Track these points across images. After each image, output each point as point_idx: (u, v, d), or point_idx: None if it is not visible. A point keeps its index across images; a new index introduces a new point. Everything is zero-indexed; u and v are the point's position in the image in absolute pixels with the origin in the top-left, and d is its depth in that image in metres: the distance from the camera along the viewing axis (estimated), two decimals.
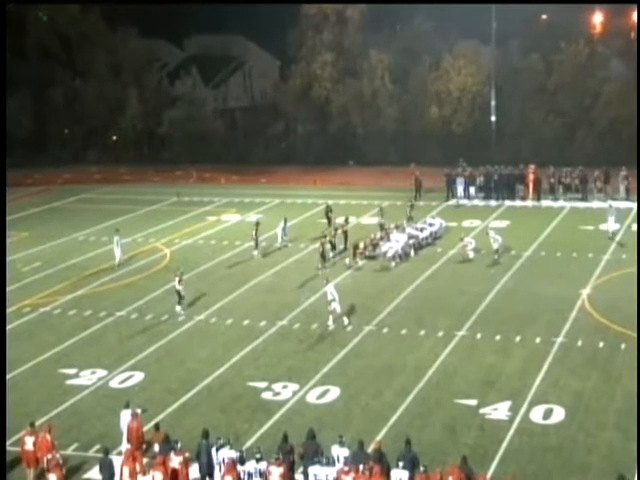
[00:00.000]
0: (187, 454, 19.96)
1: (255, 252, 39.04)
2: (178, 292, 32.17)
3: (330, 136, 63.56)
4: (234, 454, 19.72)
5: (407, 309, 32.05)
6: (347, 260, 37.49)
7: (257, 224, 39.98)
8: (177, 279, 32.33)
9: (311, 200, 51.20)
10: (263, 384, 25.96)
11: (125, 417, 21.61)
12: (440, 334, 29.52)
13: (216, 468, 19.75)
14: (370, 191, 53.18)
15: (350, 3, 63.57)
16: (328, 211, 44.59)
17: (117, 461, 20.24)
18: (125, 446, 21.17)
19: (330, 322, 30.26)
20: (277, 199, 51.60)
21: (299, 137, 65.98)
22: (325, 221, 43.25)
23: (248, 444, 21.93)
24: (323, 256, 36.88)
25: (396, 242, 37.62)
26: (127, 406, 21.89)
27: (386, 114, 62.09)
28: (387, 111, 62.18)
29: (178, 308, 32.00)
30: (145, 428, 21.90)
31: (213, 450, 19.89)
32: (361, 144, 62.45)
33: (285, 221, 41.33)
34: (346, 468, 19.07)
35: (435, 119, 60.93)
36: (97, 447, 22.22)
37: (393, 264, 36.89)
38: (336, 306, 30.38)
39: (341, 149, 62.38)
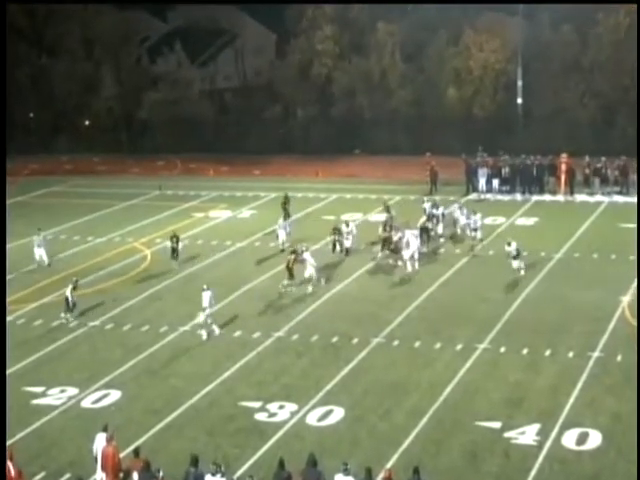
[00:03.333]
0: None
1: (174, 263, 38.17)
2: (67, 299, 32.36)
3: (333, 121, 63.66)
4: None
5: (421, 319, 32.07)
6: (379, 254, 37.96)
7: (175, 238, 38.35)
8: (71, 286, 32.60)
9: (313, 194, 51.28)
10: (257, 404, 25.99)
11: (100, 441, 21.64)
12: (458, 347, 29.53)
13: None
14: (379, 184, 53.26)
15: (348, 4, 63.83)
16: (285, 202, 44.49)
17: None
18: (100, 475, 21.18)
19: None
20: (273, 193, 51.65)
21: (298, 122, 66.09)
22: (331, 217, 43.16)
23: (240, 472, 21.96)
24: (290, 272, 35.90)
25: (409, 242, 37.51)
26: (105, 429, 21.92)
27: (397, 96, 62.15)
28: (398, 93, 62.23)
29: (62, 315, 32.39)
30: (122, 454, 21.94)
31: (208, 478, 19.94)
32: (369, 130, 62.53)
33: (285, 218, 40.91)
34: None
35: (453, 102, 60.97)
36: (68, 476, 22.26)
37: (410, 269, 36.92)
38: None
39: (346, 136, 62.47)
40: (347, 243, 39.23)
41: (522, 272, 35.30)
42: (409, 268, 36.60)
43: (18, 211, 50.17)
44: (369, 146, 61.77)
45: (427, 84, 62.08)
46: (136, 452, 21.25)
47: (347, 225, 39.47)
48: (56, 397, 26.85)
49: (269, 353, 29.76)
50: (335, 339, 30.51)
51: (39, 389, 27.35)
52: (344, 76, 63.19)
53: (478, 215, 39.80)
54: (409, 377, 27.49)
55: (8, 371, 28.65)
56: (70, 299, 32.38)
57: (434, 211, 41.02)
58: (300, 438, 24.02)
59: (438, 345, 29.75)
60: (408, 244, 36.95)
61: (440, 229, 40.78)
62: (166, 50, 77.44)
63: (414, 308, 33.10)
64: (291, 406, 25.78)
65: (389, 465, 22.03)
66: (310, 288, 34.66)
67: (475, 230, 39.43)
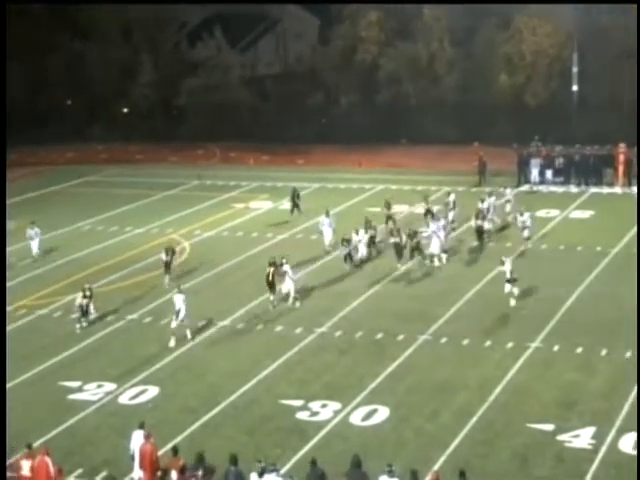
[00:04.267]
0: None
1: (166, 279, 35.41)
2: (80, 306, 31.58)
3: (378, 109, 63.41)
4: None
5: (470, 315, 31.86)
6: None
7: (170, 250, 36.19)
8: (81, 294, 31.83)
9: (357, 185, 51.19)
10: (298, 402, 25.98)
11: (137, 439, 21.77)
12: (509, 346, 29.31)
13: None
14: (425, 175, 53.00)
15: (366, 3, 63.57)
16: (295, 196, 44.31)
17: None
18: (137, 474, 21.31)
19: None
20: (316, 183, 51.66)
21: (341, 110, 65.93)
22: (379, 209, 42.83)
23: (280, 473, 21.92)
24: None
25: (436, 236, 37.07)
26: (141, 427, 22.05)
27: (444, 83, 61.78)
28: (446, 79, 61.87)
29: (77, 325, 31.67)
30: (160, 452, 22.03)
31: (253, 476, 20.00)
32: (415, 119, 62.19)
33: (328, 214, 40.02)
34: None
35: (504, 89, 60.46)
36: (104, 474, 22.40)
37: (437, 262, 36.72)
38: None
39: (391, 125, 62.21)
40: (360, 253, 37.37)
41: (512, 301, 32.21)
42: (436, 263, 36.58)
43: (53, 201, 50.65)
44: (415, 135, 61.45)
45: (476, 70, 61.64)
46: (174, 451, 21.32)
47: (357, 233, 37.59)
48: (93, 392, 27.05)
49: (311, 350, 29.73)
50: (380, 336, 30.42)
51: (75, 384, 27.56)
52: (389, 62, 62.94)
53: (526, 214, 39.16)
54: (457, 376, 27.32)
55: (44, 365, 28.94)
56: (82, 305, 31.64)
57: (481, 205, 40.47)
58: (343, 438, 23.97)
59: (488, 343, 29.54)
60: (431, 240, 36.75)
61: (487, 224, 40.07)
62: (206, 35, 77.58)
63: (463, 304, 32.90)
64: (334, 405, 25.73)
65: (436, 467, 21.91)
66: (291, 302, 33.03)
67: (524, 229, 38.95)
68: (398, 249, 36.79)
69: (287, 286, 33.11)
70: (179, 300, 30.38)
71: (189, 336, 30.46)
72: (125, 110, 69.75)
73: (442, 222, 38.11)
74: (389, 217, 40.93)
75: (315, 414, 25.36)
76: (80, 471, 22.62)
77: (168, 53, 69.83)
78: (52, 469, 20.50)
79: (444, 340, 29.96)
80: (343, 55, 64.42)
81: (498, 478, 21.83)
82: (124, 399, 26.65)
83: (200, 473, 20.03)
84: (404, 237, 36.94)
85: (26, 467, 20.88)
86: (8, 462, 22.63)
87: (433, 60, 62.04)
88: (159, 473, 21.15)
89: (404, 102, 62.86)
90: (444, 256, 37.19)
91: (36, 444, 22.66)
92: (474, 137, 55.77)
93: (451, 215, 41.27)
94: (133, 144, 64.20)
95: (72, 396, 26.89)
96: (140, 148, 63.38)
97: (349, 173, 54.20)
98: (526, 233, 38.75)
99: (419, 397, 26.16)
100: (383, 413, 25.24)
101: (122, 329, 31.89)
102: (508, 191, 44.60)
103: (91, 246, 41.31)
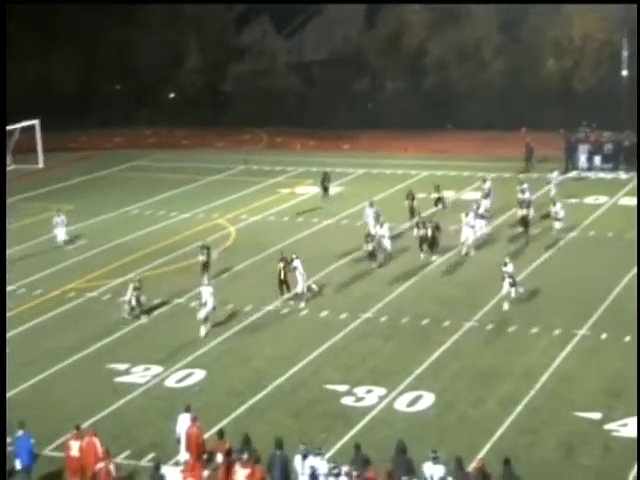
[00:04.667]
0: (257, 466, 20.11)
1: (204, 279, 33.03)
2: (135, 300, 30.98)
3: (424, 94, 63.01)
4: (325, 465, 19.83)
5: (516, 302, 31.58)
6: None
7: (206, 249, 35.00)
8: (132, 285, 31.28)
9: (402, 170, 50.98)
10: (343, 387, 26.00)
11: (183, 422, 21.92)
12: (556, 332, 29.09)
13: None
14: (472, 160, 52.64)
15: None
16: (324, 179, 44.05)
17: (171, 473, 20.56)
18: (184, 456, 21.46)
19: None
20: (362, 169, 51.53)
21: (387, 95, 65.65)
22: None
23: (326, 457, 21.94)
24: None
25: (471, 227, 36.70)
26: (187, 410, 22.20)
27: (492, 68, 61.23)
28: (493, 64, 61.32)
29: (125, 314, 31.10)
30: (206, 435, 22.11)
31: (297, 459, 20.06)
32: (461, 104, 61.70)
33: (372, 204, 38.93)
34: None
35: (552, 74, 59.82)
36: (151, 456, 22.57)
37: (472, 252, 36.48)
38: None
39: (437, 110, 61.71)
40: (384, 246, 35.84)
41: (506, 305, 30.90)
42: (464, 250, 36.29)
43: (100, 185, 51.03)
44: (461, 120, 60.98)
45: (523, 55, 61.01)
46: (220, 434, 21.44)
47: (381, 226, 36.18)
48: (140, 375, 27.28)
49: (356, 335, 29.72)
50: (425, 322, 30.32)
51: (123, 366, 27.81)
52: (436, 47, 62.55)
53: (558, 205, 38.44)
54: (503, 363, 27.18)
55: (93, 347, 29.21)
56: (132, 299, 31.14)
57: (522, 196, 39.53)
58: (388, 424, 23.95)
59: (534, 330, 29.33)
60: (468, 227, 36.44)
61: (532, 212, 38.99)
62: (252, 20, 77.52)
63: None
64: (379, 390, 25.72)
65: (481, 455, 21.81)
66: (303, 303, 32.03)
67: (557, 221, 38.22)
68: (425, 241, 35.99)
69: (296, 282, 32.20)
70: (206, 292, 30.16)
71: (205, 330, 29.69)
72: (172, 95, 70.03)
73: (474, 212, 37.25)
74: (438, 199, 41.08)
75: (360, 399, 25.36)
76: (127, 453, 22.85)
77: (214, 39, 69.88)
78: (100, 449, 20.72)
79: (490, 327, 29.80)
80: (389, 40, 64.11)
81: (543, 467, 21.67)
82: (170, 382, 26.84)
83: (245, 456, 20.10)
84: (429, 229, 36.05)
85: (75, 447, 21.13)
86: (57, 442, 22.95)
87: (480, 45, 61.54)
88: (205, 456, 21.30)
89: (451, 87, 62.40)
90: (472, 248, 36.47)
91: (84, 426, 22.89)
92: (521, 123, 55.14)
93: (486, 203, 40.22)
94: (180, 129, 64.44)
95: (119, 379, 27.14)
96: (187, 133, 63.60)
97: (395, 159, 53.98)
98: (558, 225, 38.04)
99: (464, 384, 26.06)
100: (428, 399, 25.18)
101: (169, 313, 32.09)
102: (555, 174, 44.08)
103: (138, 230, 41.59)
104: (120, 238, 40.44)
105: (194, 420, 21.71)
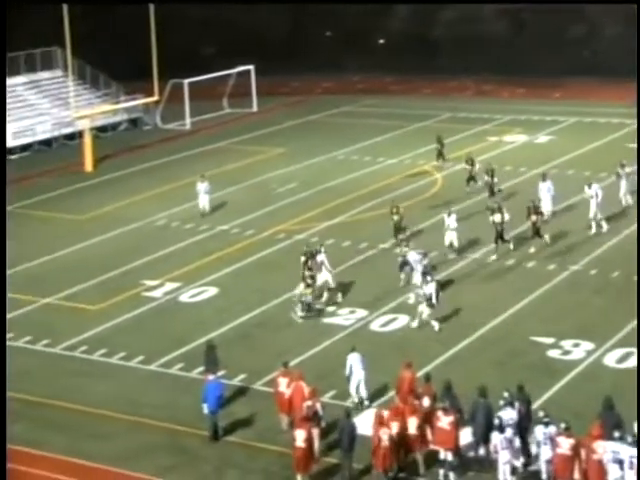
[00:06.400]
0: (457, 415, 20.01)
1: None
2: (302, 302, 27.42)
3: None
4: (514, 414, 19.57)
5: None
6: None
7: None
8: (302, 285, 27.60)
9: (617, 119, 48.87)
10: (549, 340, 25.45)
11: (354, 362, 22.22)
12: None
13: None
14: None
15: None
16: (440, 144, 41.85)
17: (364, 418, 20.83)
18: (359, 395, 21.71)
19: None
20: (573, 117, 49.81)
21: (604, 42, 62.81)
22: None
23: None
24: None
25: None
26: (353, 350, 22.52)
27: None
28: None
29: (297, 314, 27.63)
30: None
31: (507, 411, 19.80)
32: None
33: (544, 178, 34.66)
34: None
35: None
36: (353, 400, 22.76)
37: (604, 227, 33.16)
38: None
39: None
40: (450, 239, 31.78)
41: None
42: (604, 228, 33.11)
43: (310, 129, 51.67)
44: None
45: None
46: (427, 378, 21.44)
47: (449, 215, 31.73)
48: (345, 317, 27.62)
49: (564, 287, 28.97)
50: (636, 277, 29.08)
51: (330, 308, 28.15)
52: None
53: (594, 186, 33.67)
54: None
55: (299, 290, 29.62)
56: (305, 300, 27.78)
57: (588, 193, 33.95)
58: (596, 379, 23.31)
59: None
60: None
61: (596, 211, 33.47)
62: None
63: None
64: (587, 345, 25.02)
65: None
66: (325, 297, 28.59)
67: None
68: (536, 231, 32.07)
69: (323, 277, 28.76)
70: (413, 259, 28.73)
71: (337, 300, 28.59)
72: (381, 41, 69.78)
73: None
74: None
75: (567, 353, 24.78)
76: (333, 392, 23.21)
77: None
78: (306, 390, 21.12)
79: None
80: None
81: None
82: (375, 326, 27.04)
83: (447, 403, 19.99)
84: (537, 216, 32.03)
85: (283, 384, 21.75)
86: (267, 378, 23.56)
87: None
88: (415, 401, 20.96)
89: None
90: (604, 222, 33.27)
91: (292, 364, 23.42)
92: None
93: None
94: (388, 75, 64.22)
95: (326, 320, 27.56)
96: (394, 79, 63.32)
97: (610, 107, 51.77)
98: (591, 214, 33.16)
99: None
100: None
101: (372, 258, 32.18)
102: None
103: (345, 175, 41.90)
104: (328, 182, 40.88)
105: (408, 366, 21.82)
